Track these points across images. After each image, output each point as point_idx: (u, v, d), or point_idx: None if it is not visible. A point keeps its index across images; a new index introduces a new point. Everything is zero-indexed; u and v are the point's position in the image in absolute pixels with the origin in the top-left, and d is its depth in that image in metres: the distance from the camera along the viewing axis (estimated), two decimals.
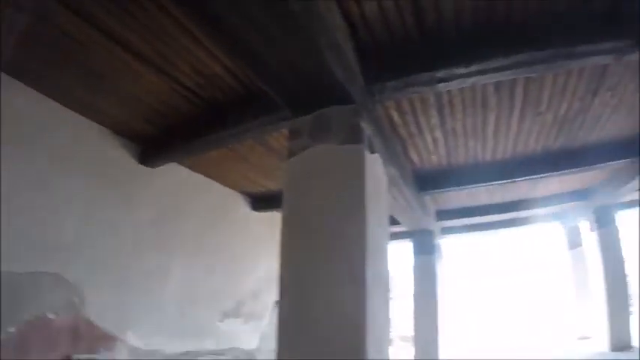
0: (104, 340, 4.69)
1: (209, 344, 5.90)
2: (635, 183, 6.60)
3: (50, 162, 4.34)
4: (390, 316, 3.27)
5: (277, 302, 2.79)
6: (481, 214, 9.07)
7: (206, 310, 5.93)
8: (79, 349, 4.49)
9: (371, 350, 2.50)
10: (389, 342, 3.24)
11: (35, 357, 4.19)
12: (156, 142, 4.88)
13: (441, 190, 6.36)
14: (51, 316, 4.31)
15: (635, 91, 4.34)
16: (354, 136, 2.81)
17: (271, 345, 6.56)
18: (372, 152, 2.99)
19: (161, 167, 5.18)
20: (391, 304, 3.75)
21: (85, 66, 3.75)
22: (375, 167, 3.05)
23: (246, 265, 6.76)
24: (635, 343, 7.70)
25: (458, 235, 11.31)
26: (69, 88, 4.20)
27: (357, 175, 2.73)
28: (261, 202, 6.99)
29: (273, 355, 6.66)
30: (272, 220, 6.95)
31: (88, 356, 4.55)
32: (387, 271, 3.17)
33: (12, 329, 4.04)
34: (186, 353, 5.50)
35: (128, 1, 2.86)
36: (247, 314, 6.66)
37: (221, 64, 3.41)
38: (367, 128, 2.97)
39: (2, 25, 3.26)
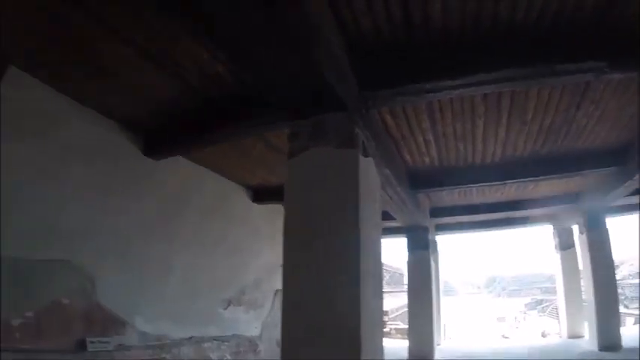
0: (115, 324, 5.04)
1: (213, 330, 6.24)
2: (622, 190, 6.87)
3: (61, 153, 4.64)
4: (382, 308, 3.55)
5: (282, 294, 3.06)
6: (473, 213, 9.44)
7: (209, 297, 6.28)
8: (91, 332, 4.82)
9: (365, 339, 2.76)
10: (382, 332, 3.51)
11: (51, 340, 4.50)
12: (160, 135, 5.19)
13: (433, 189, 6.67)
14: (65, 301, 4.64)
15: (617, 107, 4.62)
16: (349, 141, 3.09)
17: (273, 333, 6.90)
18: (366, 156, 3.28)
19: (165, 159, 5.47)
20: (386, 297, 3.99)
21: (94, 63, 4.04)
22: (369, 169, 3.33)
23: (247, 254, 7.07)
24: (623, 343, 7.93)
25: (452, 232, 11.69)
26: (79, 84, 4.51)
27: (351, 178, 3.00)
28: (262, 194, 7.29)
29: (274, 342, 7.01)
30: (272, 212, 7.35)
31: (101, 339, 4.88)
32: (380, 266, 3.45)
33: (30, 314, 4.37)
34: (191, 338, 5.86)
35: (134, 3, 3.13)
36: (249, 302, 6.98)
37: (223, 64, 3.66)
38: (361, 134, 3.25)
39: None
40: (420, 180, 6.40)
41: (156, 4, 3.10)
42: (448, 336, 15.06)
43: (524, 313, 41.03)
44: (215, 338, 6.28)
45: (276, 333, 7.21)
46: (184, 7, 2.50)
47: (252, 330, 7.04)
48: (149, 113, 4.84)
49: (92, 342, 4.78)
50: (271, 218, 7.49)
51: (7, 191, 4.15)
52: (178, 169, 5.84)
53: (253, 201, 7.38)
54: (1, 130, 3.98)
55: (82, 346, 4.70)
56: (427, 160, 5.91)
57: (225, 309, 6.56)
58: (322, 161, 3.10)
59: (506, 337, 20.30)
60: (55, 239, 4.59)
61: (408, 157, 5.76)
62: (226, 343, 6.47)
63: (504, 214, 9.77)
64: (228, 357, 6.50)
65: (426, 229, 8.88)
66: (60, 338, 4.57)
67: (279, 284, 7.21)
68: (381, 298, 3.46)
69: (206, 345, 6.09)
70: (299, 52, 2.58)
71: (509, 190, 8.19)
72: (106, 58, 3.94)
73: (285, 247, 3.07)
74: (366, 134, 3.40)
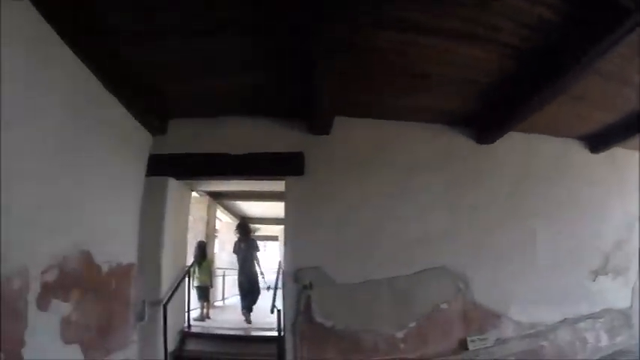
0: (491, 319, 5.08)
1: (584, 308, 5.67)
2: None
3: (408, 172, 5.21)
4: None
5: None
6: None
7: (575, 271, 5.74)
8: (470, 331, 4.98)
9: None
10: None
11: (433, 345, 4.86)
12: (488, 118, 5.12)
13: None
14: (443, 306, 4.94)
15: None
16: None
17: None
18: None
19: (499, 140, 5.45)
20: None
21: (408, 75, 4.26)
22: None
23: (600, 215, 6.19)
24: None
25: None
26: (405, 106, 4.96)
27: None
28: (599, 141, 6.25)
29: None
30: (613, 159, 6.38)
31: (479, 336, 4.98)
32: None
33: (412, 324, 4.81)
34: (565, 320, 5.46)
35: None
36: (614, 269, 6.11)
37: (542, 4, 3.27)
38: None
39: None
40: None
41: None
42: None
43: None
44: (588, 316, 5.67)
45: None
46: None
47: (622, 300, 6.11)
48: (475, 99, 4.85)
49: (472, 340, 4.95)
50: (614, 168, 6.44)
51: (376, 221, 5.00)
52: (513, 146, 5.70)
53: (591, 152, 6.39)
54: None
55: (462, 346, 4.91)
56: None
57: (594, 280, 5.89)
58: None
59: None
60: (426, 249, 5.02)
61: None
62: (600, 320, 5.77)
63: None
64: (604, 335, 5.76)
65: None
66: (441, 342, 4.88)
67: None
68: None
69: (581, 325, 5.56)
70: None
71: None
72: (418, 65, 4.12)
73: None
74: None
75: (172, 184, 5.44)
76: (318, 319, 4.78)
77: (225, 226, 12.89)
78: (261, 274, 8.22)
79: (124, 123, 4.73)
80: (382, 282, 4.90)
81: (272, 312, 5.05)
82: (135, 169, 5.10)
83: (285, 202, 5.19)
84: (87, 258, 3.92)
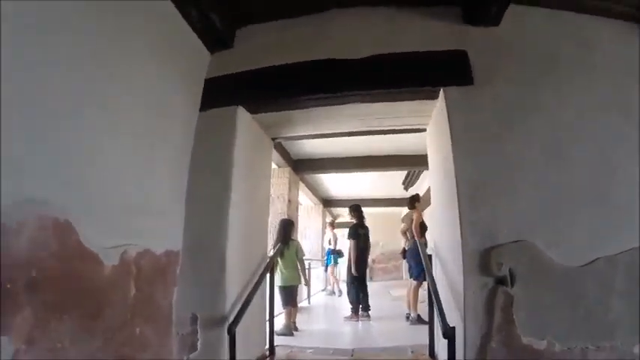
0: None
1: None
2: None
3: (619, 80, 3.19)
4: None
5: None
6: None
7: None
8: None
9: None
10: None
11: None
12: None
13: None
14: None
15: None
16: None
17: None
18: None
19: None
20: None
21: None
22: None
23: None
24: None
25: None
26: None
27: None
28: None
29: None
30: None
31: None
32: None
33: None
34: None
35: None
36: None
37: None
38: None
39: None
40: None
41: None
42: None
43: None
44: None
45: None
46: None
47: None
48: None
49: None
50: None
51: None
52: None
53: None
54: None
55: None
56: None
57: None
58: None
59: None
60: None
61: None
62: None
63: None
64: None
65: None
66: None
67: None
68: None
69: None
70: None
71: None
72: None
73: None
74: None
75: (244, 121, 3.47)
76: (526, 336, 2.72)
77: (306, 210, 11.72)
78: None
79: (165, 27, 3.01)
80: (616, 260, 2.85)
81: (445, 336, 2.67)
82: (182, 99, 3.23)
83: (451, 128, 3.09)
84: (64, 236, 1.99)
